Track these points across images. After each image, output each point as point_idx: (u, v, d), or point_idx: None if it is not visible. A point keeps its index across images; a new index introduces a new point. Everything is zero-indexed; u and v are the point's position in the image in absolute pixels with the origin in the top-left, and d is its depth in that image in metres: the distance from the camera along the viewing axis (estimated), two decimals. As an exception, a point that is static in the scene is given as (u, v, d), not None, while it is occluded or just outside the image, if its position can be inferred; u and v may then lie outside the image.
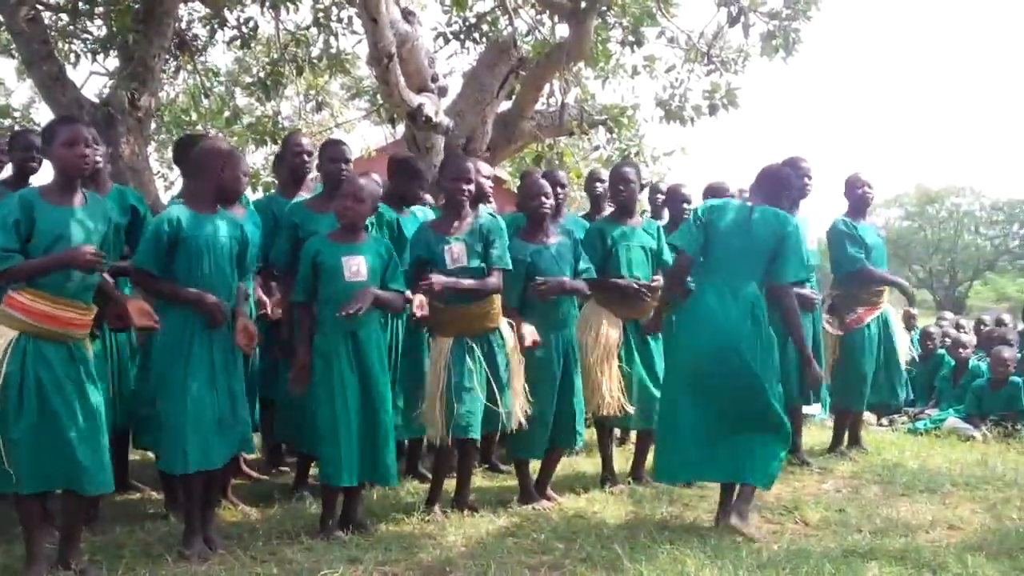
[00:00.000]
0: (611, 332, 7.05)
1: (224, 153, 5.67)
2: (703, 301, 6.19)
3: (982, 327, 13.75)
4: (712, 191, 7.98)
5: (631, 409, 7.07)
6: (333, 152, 6.83)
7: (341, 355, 5.86)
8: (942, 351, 11.47)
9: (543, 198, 6.77)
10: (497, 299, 6.49)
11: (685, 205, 8.10)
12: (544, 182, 6.91)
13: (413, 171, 7.37)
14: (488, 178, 7.31)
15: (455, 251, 6.35)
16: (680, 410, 6.19)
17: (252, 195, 11.10)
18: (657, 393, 7.09)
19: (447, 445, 6.38)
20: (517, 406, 6.48)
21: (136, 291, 5.91)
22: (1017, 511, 6.57)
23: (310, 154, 7.09)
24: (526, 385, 6.58)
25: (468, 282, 6.29)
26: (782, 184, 6.40)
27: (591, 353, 7.00)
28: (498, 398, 6.35)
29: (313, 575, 4.96)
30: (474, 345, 6.34)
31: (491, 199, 7.64)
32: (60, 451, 4.90)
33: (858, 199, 8.56)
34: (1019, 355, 10.78)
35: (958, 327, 13.95)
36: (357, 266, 5.91)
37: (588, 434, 8.45)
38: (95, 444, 5.01)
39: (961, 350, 11.03)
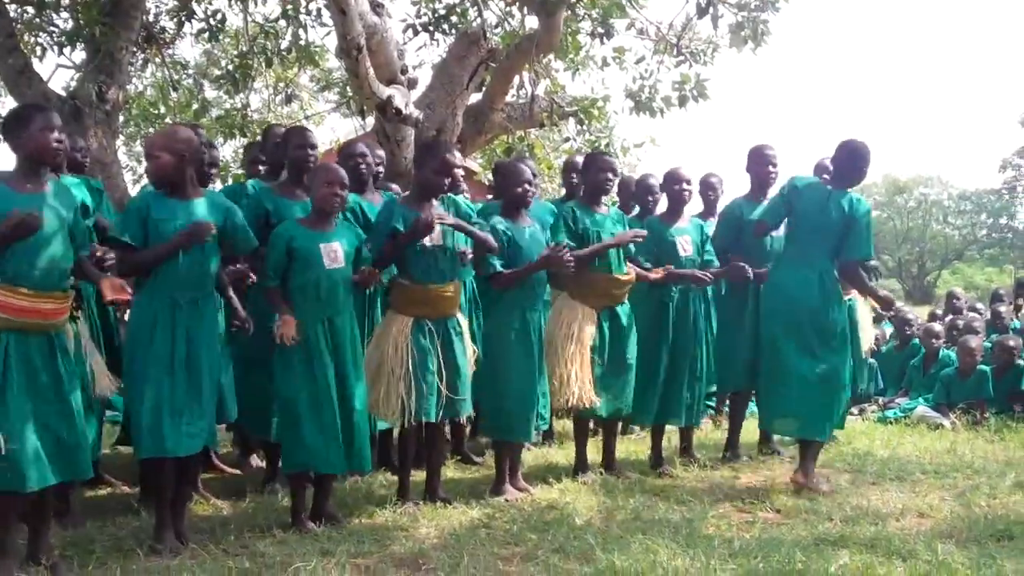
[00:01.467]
0: (586, 325, 7.05)
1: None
2: (781, 271, 7.25)
3: (954, 301, 13.82)
4: (669, 177, 7.97)
5: (598, 401, 7.07)
6: (300, 139, 6.77)
7: (320, 341, 5.85)
8: (916, 340, 11.53)
9: (528, 185, 6.84)
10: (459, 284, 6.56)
11: (651, 197, 8.13)
12: (528, 169, 6.94)
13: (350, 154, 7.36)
14: (459, 168, 7.32)
15: (434, 235, 6.37)
16: (783, 370, 7.06)
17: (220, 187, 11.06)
18: (629, 382, 7.15)
19: (410, 433, 6.43)
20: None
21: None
22: (986, 498, 6.63)
23: (315, 147, 6.96)
24: (506, 367, 6.64)
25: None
26: (857, 159, 7.14)
27: (565, 346, 6.99)
28: (457, 385, 6.38)
29: (286, 568, 4.94)
30: (433, 328, 6.35)
31: (463, 188, 7.64)
32: (50, 446, 4.89)
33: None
34: (986, 344, 10.85)
35: (933, 317, 14.03)
36: (335, 252, 5.92)
37: (559, 425, 8.51)
38: (76, 432, 5.02)
39: (933, 340, 11.09)
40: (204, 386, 5.50)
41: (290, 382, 5.87)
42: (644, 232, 7.26)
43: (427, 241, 6.29)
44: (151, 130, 14.40)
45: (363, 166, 7.16)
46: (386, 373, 6.25)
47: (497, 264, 6.65)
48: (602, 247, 7.04)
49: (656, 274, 7.40)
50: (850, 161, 7.10)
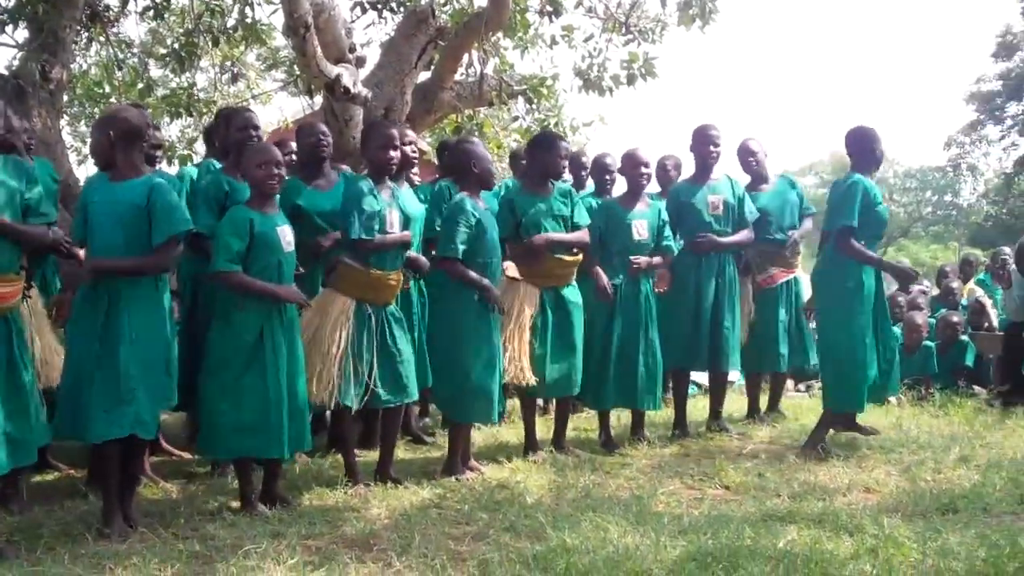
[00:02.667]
0: (526, 304, 7.06)
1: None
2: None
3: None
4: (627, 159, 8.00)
5: (533, 380, 7.08)
6: (241, 121, 6.69)
7: (275, 326, 5.82)
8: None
9: (492, 166, 6.92)
10: None
11: (607, 176, 8.15)
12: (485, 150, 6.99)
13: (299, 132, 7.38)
14: (412, 144, 7.30)
15: (393, 216, 6.36)
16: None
17: (169, 168, 10.96)
18: (575, 362, 7.17)
19: (346, 415, 6.48)
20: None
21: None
22: (931, 473, 6.71)
23: (257, 128, 6.87)
24: (466, 349, 6.66)
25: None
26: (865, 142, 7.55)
27: (504, 324, 6.99)
28: (398, 371, 6.41)
29: (236, 551, 4.91)
30: (372, 314, 6.33)
31: (415, 166, 7.62)
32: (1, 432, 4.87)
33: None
34: (931, 320, 10.98)
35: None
36: (288, 235, 5.90)
37: (509, 404, 8.52)
38: (26, 417, 4.98)
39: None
40: (125, 371, 5.31)
41: (237, 369, 5.79)
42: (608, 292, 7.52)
43: (389, 227, 6.30)
44: (96, 110, 14.24)
45: (324, 143, 7.12)
46: (321, 354, 6.20)
47: (459, 248, 6.63)
48: (560, 240, 7.17)
49: (604, 282, 7.52)
50: (860, 144, 7.50)
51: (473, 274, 6.62)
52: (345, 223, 6.29)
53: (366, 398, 6.31)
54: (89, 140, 5.62)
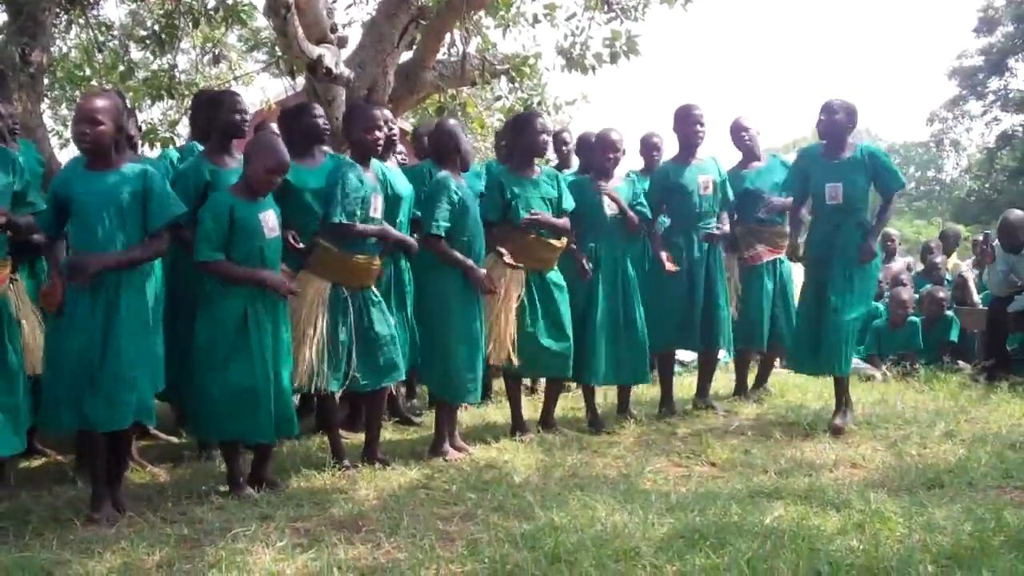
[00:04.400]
0: (512, 285, 7.07)
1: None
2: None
3: (888, 243, 13.91)
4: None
5: (516, 360, 7.09)
6: (232, 104, 6.65)
7: (259, 310, 5.80)
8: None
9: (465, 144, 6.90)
10: None
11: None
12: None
13: (290, 113, 7.32)
14: (394, 123, 7.28)
15: (377, 200, 6.36)
16: None
17: (151, 151, 10.90)
18: (565, 343, 7.18)
19: (329, 397, 6.50)
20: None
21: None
22: (916, 448, 6.75)
23: (247, 111, 6.80)
24: (449, 329, 6.68)
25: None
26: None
27: (491, 304, 7.01)
28: (377, 355, 6.39)
29: (225, 534, 4.91)
30: (348, 297, 6.32)
31: (396, 146, 7.59)
32: None
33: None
34: (916, 296, 11.01)
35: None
36: (272, 221, 5.87)
37: (497, 384, 8.53)
38: (14, 403, 4.98)
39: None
40: (127, 360, 5.34)
41: (222, 353, 5.78)
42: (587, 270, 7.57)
43: (372, 212, 6.28)
44: (77, 93, 14.15)
45: (326, 125, 7.11)
46: (298, 337, 6.18)
47: (443, 226, 6.64)
48: (550, 223, 7.21)
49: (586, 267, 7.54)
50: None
51: (456, 254, 6.63)
52: (328, 206, 6.25)
53: (346, 382, 6.29)
54: (91, 124, 5.47)
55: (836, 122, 7.50)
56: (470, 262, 6.65)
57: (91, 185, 5.34)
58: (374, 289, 6.52)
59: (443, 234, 6.62)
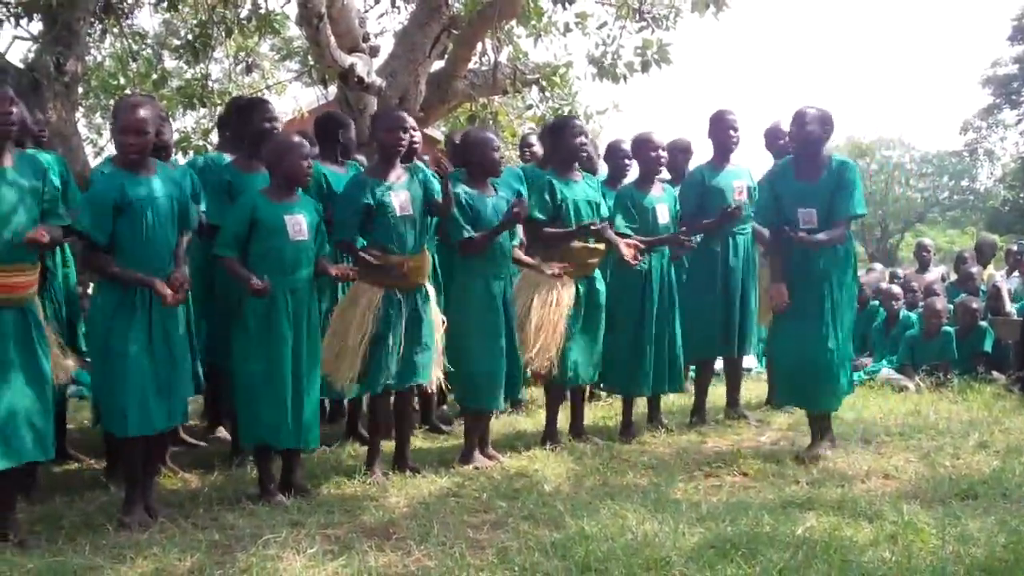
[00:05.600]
0: (564, 293, 7.05)
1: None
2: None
3: (895, 280, 13.84)
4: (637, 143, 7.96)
5: (556, 369, 7.09)
6: (264, 112, 6.76)
7: (280, 312, 5.82)
8: (876, 302, 11.60)
9: (498, 154, 6.84)
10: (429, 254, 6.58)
11: (626, 160, 8.12)
12: (496, 138, 6.94)
13: (335, 122, 7.36)
14: (416, 130, 7.29)
15: (401, 198, 6.35)
16: None
17: (183, 159, 10.97)
18: (597, 349, 7.19)
19: (380, 403, 6.49)
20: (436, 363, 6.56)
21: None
22: (950, 459, 6.69)
23: (277, 119, 6.89)
24: (471, 336, 6.67)
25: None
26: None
27: (543, 313, 6.99)
28: (422, 353, 6.39)
29: (256, 540, 4.93)
30: (402, 299, 6.33)
31: (419, 154, 7.59)
32: (15, 423, 4.92)
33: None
34: (950, 306, 10.93)
35: (892, 278, 14.09)
36: (299, 224, 5.89)
37: (527, 392, 8.52)
38: (45, 409, 5.05)
39: (893, 302, 11.16)
40: (179, 363, 5.53)
41: (248, 355, 5.86)
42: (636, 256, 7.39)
43: (397, 211, 6.29)
44: (111, 102, 14.25)
45: (351, 134, 7.16)
46: (351, 343, 6.24)
47: (467, 230, 6.64)
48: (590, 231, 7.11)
49: (628, 249, 7.35)
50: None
51: (488, 236, 6.67)
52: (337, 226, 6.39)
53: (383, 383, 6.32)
54: (138, 135, 5.50)
55: (808, 135, 6.82)
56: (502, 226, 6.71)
57: (144, 190, 5.39)
58: (428, 286, 6.54)
59: (468, 237, 6.66)
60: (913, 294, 11.52)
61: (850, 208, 6.77)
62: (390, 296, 6.30)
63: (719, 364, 8.81)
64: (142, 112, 5.37)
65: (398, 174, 6.46)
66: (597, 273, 7.28)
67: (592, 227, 7.03)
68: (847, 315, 6.92)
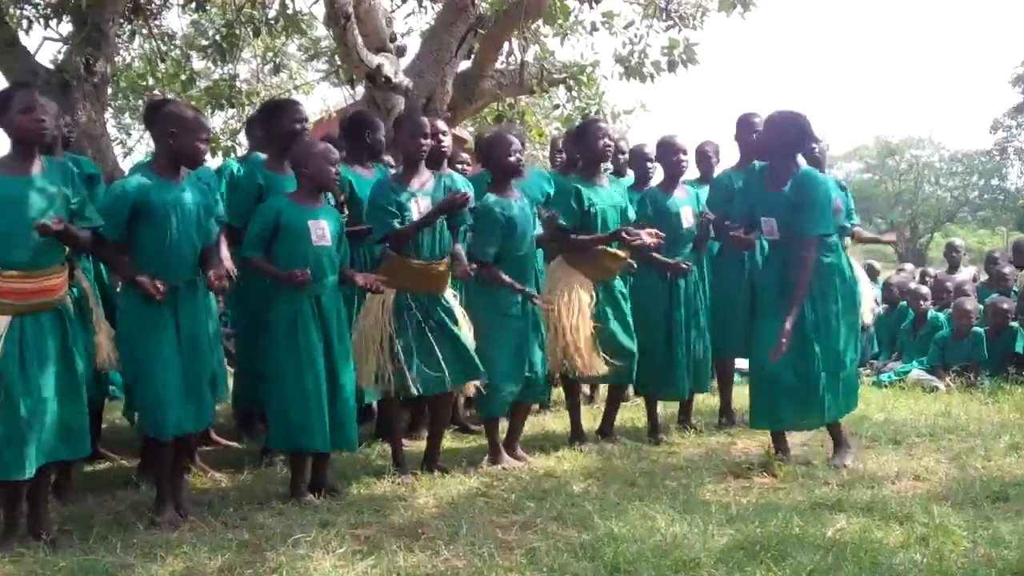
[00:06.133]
0: (583, 294, 7.05)
1: (176, 118, 5.47)
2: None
3: (926, 279, 13.77)
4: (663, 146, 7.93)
5: (594, 370, 7.08)
6: (293, 113, 6.76)
7: (307, 317, 5.84)
8: (904, 303, 11.54)
9: (519, 155, 6.77)
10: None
11: (648, 164, 8.09)
12: (517, 138, 6.87)
13: (362, 122, 7.34)
14: (445, 134, 7.28)
15: (422, 205, 6.35)
16: None
17: (213, 161, 11.01)
18: (632, 348, 7.15)
19: (392, 405, 6.58)
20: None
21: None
22: (981, 460, 6.65)
23: (306, 120, 6.90)
24: (493, 343, 6.63)
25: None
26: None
27: (565, 314, 6.99)
28: (449, 359, 6.38)
29: (285, 539, 4.94)
30: (418, 304, 6.35)
31: (447, 156, 7.57)
32: (52, 423, 4.97)
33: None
34: (980, 307, 10.86)
35: (923, 277, 14.00)
36: (323, 230, 5.91)
37: (556, 393, 8.51)
38: (80, 407, 5.11)
39: (921, 302, 11.10)
40: (208, 364, 5.56)
41: (277, 359, 5.88)
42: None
43: (416, 218, 6.29)
44: (140, 103, 14.32)
45: (379, 135, 7.15)
46: (369, 346, 6.29)
47: (491, 252, 6.64)
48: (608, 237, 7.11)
49: (649, 238, 7.26)
50: None
51: (506, 278, 6.62)
52: (371, 227, 6.43)
53: (412, 387, 6.31)
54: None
55: (770, 140, 6.63)
56: (518, 285, 6.64)
57: (170, 193, 5.41)
58: (446, 295, 6.52)
59: (490, 260, 6.63)
60: (946, 294, 11.44)
61: (806, 227, 6.41)
62: (404, 299, 6.33)
63: (740, 364, 8.78)
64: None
65: (423, 180, 6.46)
66: (616, 279, 7.27)
67: (621, 235, 7.02)
68: (839, 327, 6.55)
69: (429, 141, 6.50)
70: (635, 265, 7.31)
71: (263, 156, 6.92)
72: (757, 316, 6.81)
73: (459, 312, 6.56)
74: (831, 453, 6.80)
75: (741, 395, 8.47)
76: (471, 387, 6.68)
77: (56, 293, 5.05)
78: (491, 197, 6.70)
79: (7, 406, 4.82)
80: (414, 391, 6.33)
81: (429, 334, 6.35)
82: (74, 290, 5.71)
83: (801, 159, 6.74)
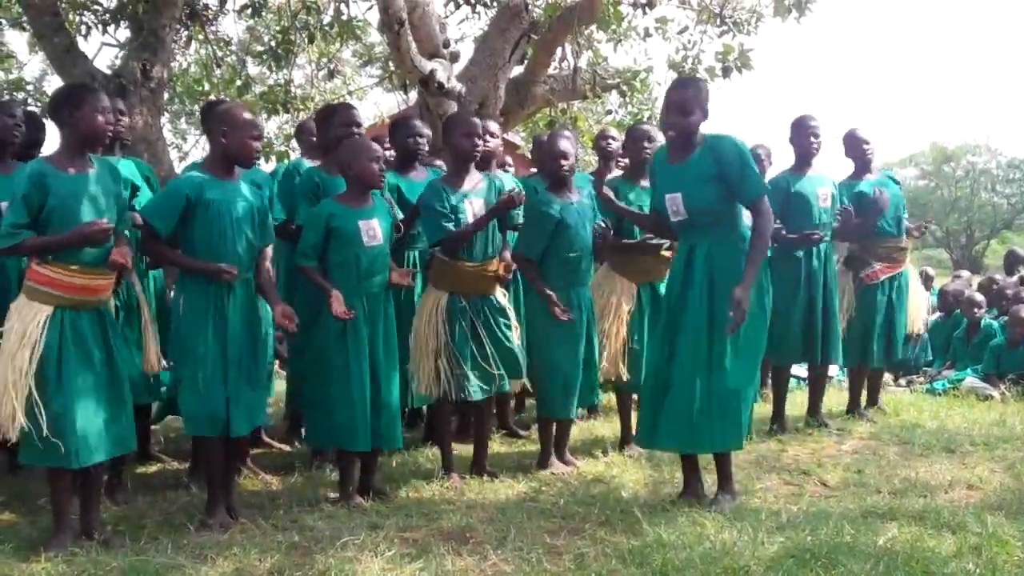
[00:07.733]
0: (623, 299, 7.05)
1: (228, 117, 5.51)
2: None
3: (993, 286, 13.61)
4: None
5: (626, 375, 7.07)
6: (346, 117, 6.78)
7: (358, 318, 5.87)
8: (959, 310, 11.42)
9: (563, 160, 6.70)
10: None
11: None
12: (566, 143, 6.84)
13: (403, 125, 7.33)
14: (495, 136, 7.28)
15: (475, 206, 6.35)
16: None
17: (267, 165, 11.11)
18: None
19: (442, 408, 6.53)
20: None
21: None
22: (1036, 470, 6.57)
23: (360, 124, 6.92)
24: (547, 344, 6.64)
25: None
26: None
27: (603, 319, 7.00)
28: (499, 361, 6.39)
29: (334, 542, 4.96)
30: (466, 305, 6.35)
31: (497, 158, 7.56)
32: (100, 421, 5.02)
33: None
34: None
35: (992, 283, 13.83)
36: (374, 230, 5.93)
37: (604, 398, 8.50)
38: (123, 407, 5.16)
39: (975, 309, 10.98)
40: (261, 366, 5.60)
41: (326, 357, 5.91)
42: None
43: (470, 219, 6.29)
44: (196, 107, 14.46)
45: (422, 140, 7.15)
46: (421, 348, 6.31)
47: (537, 249, 6.63)
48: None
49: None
50: None
51: (538, 283, 6.61)
52: (424, 230, 6.47)
53: (464, 391, 6.32)
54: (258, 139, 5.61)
55: (675, 103, 5.69)
56: (547, 291, 6.58)
57: (219, 192, 5.45)
58: (498, 296, 6.52)
59: (533, 257, 6.64)
60: (1005, 301, 11.29)
61: (751, 188, 5.67)
62: (457, 301, 6.33)
63: (801, 371, 8.73)
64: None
65: (475, 181, 6.47)
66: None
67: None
68: (745, 331, 5.64)
69: (480, 140, 6.51)
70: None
71: (308, 163, 6.97)
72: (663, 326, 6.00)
73: (510, 312, 6.56)
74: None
75: (793, 403, 8.44)
76: (518, 386, 6.68)
77: (101, 293, 5.11)
78: (545, 195, 6.70)
79: (49, 394, 4.88)
80: (473, 394, 6.35)
81: (483, 336, 6.37)
82: (125, 292, 5.79)
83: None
